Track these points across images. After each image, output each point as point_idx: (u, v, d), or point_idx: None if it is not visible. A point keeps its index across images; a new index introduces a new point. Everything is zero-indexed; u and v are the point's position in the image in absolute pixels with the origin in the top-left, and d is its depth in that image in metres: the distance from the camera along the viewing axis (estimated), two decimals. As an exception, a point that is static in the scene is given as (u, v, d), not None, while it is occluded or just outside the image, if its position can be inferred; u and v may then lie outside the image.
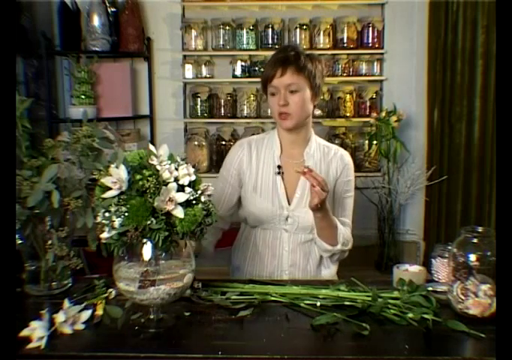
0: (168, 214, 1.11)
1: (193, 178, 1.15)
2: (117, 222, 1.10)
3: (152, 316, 1.21)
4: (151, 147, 1.18)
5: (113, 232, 1.11)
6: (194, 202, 1.13)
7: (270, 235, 1.76)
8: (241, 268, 1.82)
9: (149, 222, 1.09)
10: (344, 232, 1.71)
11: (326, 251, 1.72)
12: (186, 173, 1.13)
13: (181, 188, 1.13)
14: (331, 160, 1.79)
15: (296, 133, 1.76)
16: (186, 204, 1.12)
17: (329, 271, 1.80)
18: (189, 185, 1.14)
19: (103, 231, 1.12)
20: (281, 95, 1.67)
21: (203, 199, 1.15)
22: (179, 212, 1.10)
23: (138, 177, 1.11)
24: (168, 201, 1.10)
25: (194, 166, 1.19)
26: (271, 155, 1.77)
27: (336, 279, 1.82)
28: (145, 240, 1.13)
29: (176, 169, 1.13)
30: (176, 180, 1.13)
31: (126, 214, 1.09)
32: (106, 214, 1.11)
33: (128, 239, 1.10)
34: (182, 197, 1.11)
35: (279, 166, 1.75)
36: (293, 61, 1.67)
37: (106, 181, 1.12)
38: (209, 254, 1.77)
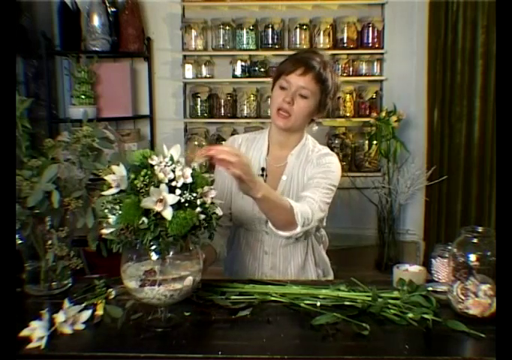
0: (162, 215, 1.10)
1: (189, 180, 1.13)
2: (111, 219, 1.11)
3: (159, 316, 1.21)
4: (164, 147, 1.17)
5: (110, 229, 1.12)
6: (186, 204, 1.12)
7: (252, 236, 1.73)
8: (228, 268, 1.81)
9: (140, 221, 1.09)
10: (303, 210, 1.51)
11: (288, 238, 1.59)
12: (180, 175, 1.12)
13: (179, 190, 1.13)
14: (308, 161, 1.71)
15: (286, 136, 1.72)
16: (178, 206, 1.11)
17: (316, 275, 1.76)
18: (186, 188, 1.13)
19: (103, 227, 1.13)
20: (289, 92, 1.62)
21: (199, 202, 1.13)
22: (168, 214, 1.09)
23: (132, 176, 1.11)
24: (158, 202, 1.09)
25: (201, 167, 1.19)
26: (258, 156, 1.74)
27: (330, 277, 1.81)
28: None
29: (173, 171, 1.12)
30: (174, 181, 1.12)
31: (119, 212, 1.10)
32: (106, 211, 1.12)
33: (122, 237, 1.10)
34: (172, 199, 1.10)
35: (263, 169, 1.71)
36: (318, 69, 1.62)
37: (108, 178, 1.12)
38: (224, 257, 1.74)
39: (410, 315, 1.21)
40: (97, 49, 3.10)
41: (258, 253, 1.74)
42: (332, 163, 1.70)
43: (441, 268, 1.48)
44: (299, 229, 1.51)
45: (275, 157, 1.74)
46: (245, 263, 1.75)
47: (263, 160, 1.73)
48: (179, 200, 1.10)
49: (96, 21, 3.07)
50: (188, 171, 1.14)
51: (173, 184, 1.11)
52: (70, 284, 1.41)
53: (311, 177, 1.67)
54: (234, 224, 1.77)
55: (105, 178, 1.13)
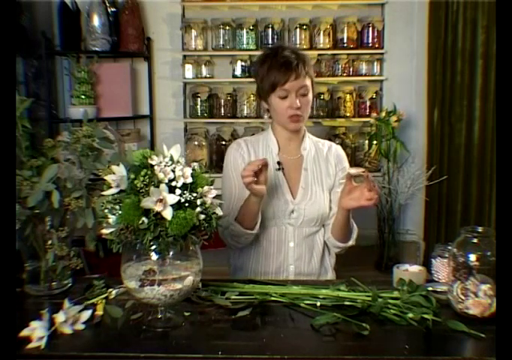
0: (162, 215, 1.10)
1: (189, 180, 1.13)
2: (111, 219, 1.11)
3: (159, 316, 1.21)
4: (164, 147, 1.17)
5: (110, 229, 1.12)
6: (186, 204, 1.12)
7: (274, 231, 1.77)
8: (244, 268, 1.81)
9: (140, 221, 1.09)
10: (356, 229, 1.77)
11: (338, 248, 1.79)
12: (180, 175, 1.12)
13: (179, 190, 1.13)
14: (327, 155, 1.84)
15: (295, 131, 1.80)
16: (178, 206, 1.11)
17: (330, 264, 1.84)
18: (186, 188, 1.13)
19: (103, 227, 1.14)
20: (293, 98, 1.68)
21: (199, 202, 1.13)
22: (168, 214, 1.09)
23: (132, 176, 1.11)
24: (158, 202, 1.09)
25: (200, 168, 1.19)
26: (269, 153, 1.80)
27: (334, 272, 1.86)
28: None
29: (173, 171, 1.12)
30: (174, 181, 1.12)
31: (119, 212, 1.10)
32: (106, 211, 1.12)
33: (122, 237, 1.10)
34: (172, 199, 1.10)
35: (279, 163, 1.78)
36: (301, 64, 1.68)
37: (108, 178, 1.12)
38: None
39: (410, 315, 1.21)
40: (97, 49, 3.09)
41: (283, 247, 1.77)
42: (345, 157, 1.87)
43: (441, 268, 1.48)
44: (350, 243, 1.77)
45: (288, 151, 1.82)
46: (270, 259, 1.77)
47: (276, 155, 1.80)
48: (179, 200, 1.10)
49: (96, 21, 3.07)
50: (188, 171, 1.14)
51: (173, 184, 1.11)
52: (70, 284, 1.41)
53: (336, 179, 1.81)
54: None
55: (105, 178, 1.13)
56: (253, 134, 2.97)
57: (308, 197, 1.76)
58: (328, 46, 3.24)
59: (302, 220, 1.75)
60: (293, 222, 1.76)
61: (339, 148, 1.88)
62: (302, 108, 1.70)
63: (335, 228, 1.73)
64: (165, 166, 1.12)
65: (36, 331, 1.11)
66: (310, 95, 1.73)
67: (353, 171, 1.54)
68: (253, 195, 1.59)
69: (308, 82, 1.71)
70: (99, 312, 1.23)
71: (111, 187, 1.12)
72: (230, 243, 1.76)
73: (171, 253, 1.16)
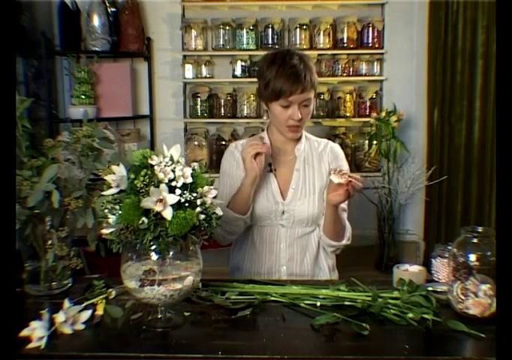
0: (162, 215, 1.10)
1: (189, 180, 1.13)
2: (111, 219, 1.11)
3: (159, 316, 1.21)
4: (164, 147, 1.17)
5: (110, 229, 1.12)
6: (186, 204, 1.12)
7: (267, 231, 1.77)
8: (240, 268, 1.82)
9: (140, 221, 1.09)
10: (349, 227, 1.75)
11: (331, 247, 1.76)
12: (180, 175, 1.12)
13: (179, 190, 1.13)
14: (321, 153, 1.82)
15: None
16: (178, 206, 1.11)
17: (327, 265, 1.81)
18: (186, 188, 1.13)
19: (103, 227, 1.14)
20: (295, 109, 1.66)
21: (199, 202, 1.13)
22: (168, 214, 1.09)
23: (132, 176, 1.11)
24: (158, 202, 1.09)
25: (200, 168, 1.18)
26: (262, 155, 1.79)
27: (336, 273, 1.85)
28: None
29: (173, 171, 1.12)
30: (174, 181, 1.12)
31: (119, 212, 1.10)
32: (106, 211, 1.12)
33: (122, 237, 1.10)
34: (172, 199, 1.10)
35: (270, 164, 1.78)
36: (308, 75, 1.66)
37: (108, 178, 1.12)
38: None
39: (410, 315, 1.21)
40: (97, 49, 3.10)
41: (275, 247, 1.77)
42: (342, 156, 1.84)
43: (441, 268, 1.48)
44: (344, 242, 1.74)
45: (282, 152, 1.82)
46: (262, 259, 1.78)
47: (268, 156, 1.78)
48: (179, 200, 1.11)
49: (96, 21, 3.07)
50: (188, 171, 1.14)
51: (173, 184, 1.11)
52: (70, 284, 1.41)
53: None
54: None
55: (105, 178, 1.13)
56: (253, 134, 2.98)
57: (297, 198, 1.75)
58: (328, 46, 3.25)
59: (293, 220, 1.75)
60: (285, 223, 1.76)
61: (336, 146, 1.86)
62: (303, 119, 1.69)
63: (325, 226, 1.72)
64: (165, 166, 1.12)
65: (36, 331, 1.11)
66: (311, 106, 1.72)
67: (336, 180, 1.52)
68: (247, 176, 1.64)
69: (312, 94, 1.69)
70: (99, 312, 1.23)
71: (111, 187, 1.12)
72: (220, 234, 1.72)
73: (171, 253, 1.16)
